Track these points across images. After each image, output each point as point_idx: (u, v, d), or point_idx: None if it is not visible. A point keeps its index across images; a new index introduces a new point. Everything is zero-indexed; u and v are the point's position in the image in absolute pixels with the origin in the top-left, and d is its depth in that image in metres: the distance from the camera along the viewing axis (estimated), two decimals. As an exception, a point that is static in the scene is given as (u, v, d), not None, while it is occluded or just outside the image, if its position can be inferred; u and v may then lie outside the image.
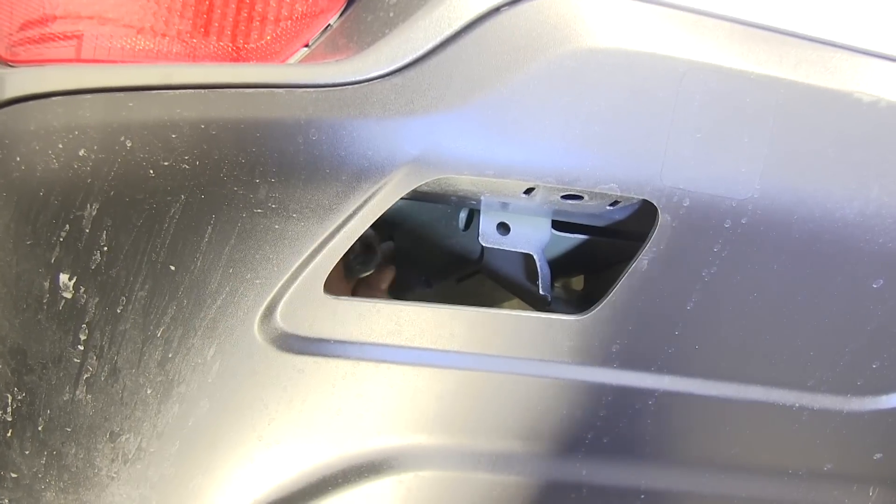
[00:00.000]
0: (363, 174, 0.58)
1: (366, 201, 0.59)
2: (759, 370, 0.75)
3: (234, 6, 0.61)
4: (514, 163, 0.60)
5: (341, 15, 0.64)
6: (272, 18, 0.62)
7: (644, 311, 0.68)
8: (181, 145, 0.56)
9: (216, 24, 0.61)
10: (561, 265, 0.86)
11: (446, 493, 0.77)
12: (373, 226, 0.63)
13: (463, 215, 0.93)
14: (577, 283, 1.07)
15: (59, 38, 0.61)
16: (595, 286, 0.96)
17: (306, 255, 0.61)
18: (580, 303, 0.89)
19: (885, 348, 0.75)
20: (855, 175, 0.65)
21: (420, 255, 1.02)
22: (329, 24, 0.63)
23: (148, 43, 0.61)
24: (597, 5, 0.60)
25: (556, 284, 0.98)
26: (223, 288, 0.62)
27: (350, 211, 0.60)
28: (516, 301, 0.92)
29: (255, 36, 0.62)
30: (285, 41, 0.62)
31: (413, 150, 0.58)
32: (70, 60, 0.60)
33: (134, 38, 0.61)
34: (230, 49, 0.61)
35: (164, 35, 0.61)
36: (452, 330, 0.68)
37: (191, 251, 0.60)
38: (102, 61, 0.60)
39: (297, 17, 0.62)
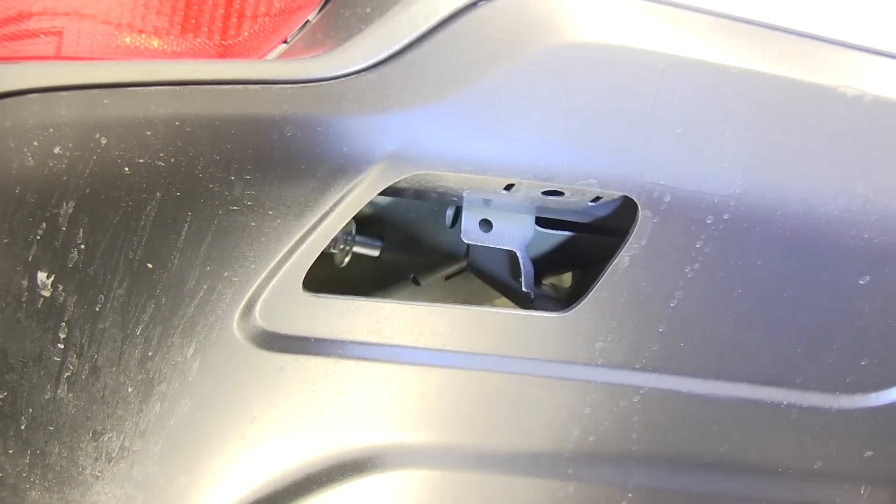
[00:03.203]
0: (339, 170, 0.58)
1: (342, 198, 0.59)
2: (745, 368, 0.74)
3: (211, 3, 0.61)
4: (492, 159, 0.59)
5: (320, 10, 0.63)
6: (250, 15, 0.61)
7: (627, 308, 0.68)
8: (156, 142, 0.56)
9: (194, 21, 0.61)
10: (546, 262, 0.86)
11: (431, 491, 0.76)
12: (361, 223, 0.63)
13: (450, 212, 0.93)
14: (568, 280, 1.07)
15: (37, 34, 0.60)
16: (583, 283, 0.96)
17: (284, 252, 0.61)
18: (568, 300, 0.89)
19: (873, 345, 0.74)
20: (839, 170, 0.64)
21: (408, 252, 1.02)
22: (308, 20, 0.63)
23: (126, 39, 0.60)
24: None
25: (545, 282, 0.97)
26: (201, 286, 0.62)
27: (327, 207, 0.59)
28: (506, 299, 0.92)
29: (233, 32, 0.61)
30: (263, 37, 0.62)
31: (390, 147, 0.58)
32: (49, 57, 0.60)
33: (113, 35, 0.60)
34: (208, 45, 0.61)
35: (141, 31, 0.60)
36: (433, 328, 0.67)
37: (168, 249, 0.60)
38: (81, 58, 0.60)
39: (275, 14, 0.62)
